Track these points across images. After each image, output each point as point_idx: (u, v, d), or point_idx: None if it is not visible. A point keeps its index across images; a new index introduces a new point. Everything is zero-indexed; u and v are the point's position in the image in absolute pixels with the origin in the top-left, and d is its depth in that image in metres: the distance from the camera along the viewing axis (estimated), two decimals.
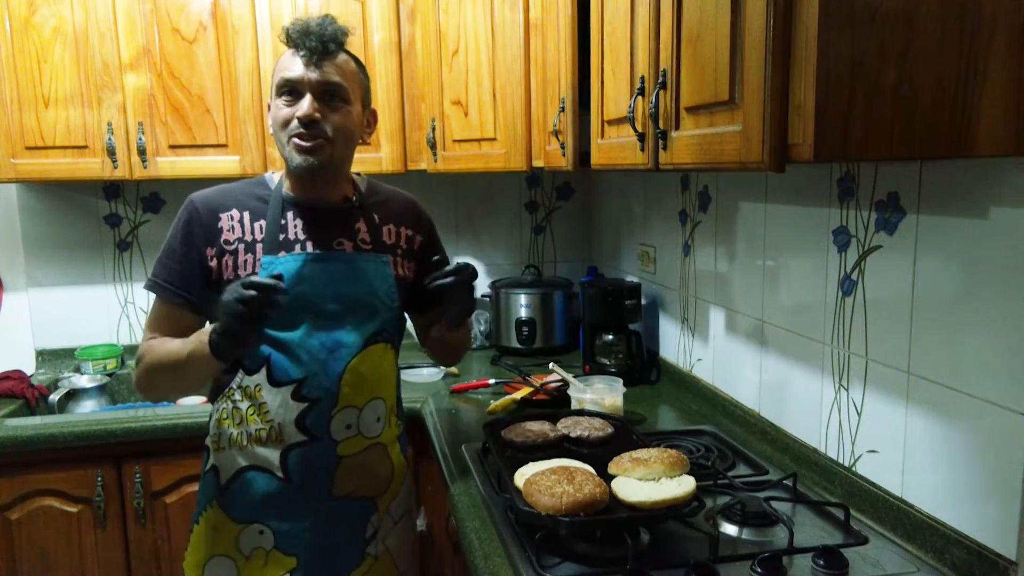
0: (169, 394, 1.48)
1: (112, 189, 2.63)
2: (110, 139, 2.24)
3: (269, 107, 1.45)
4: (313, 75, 1.37)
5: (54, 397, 2.34)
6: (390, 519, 1.55)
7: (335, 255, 1.46)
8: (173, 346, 1.39)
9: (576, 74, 1.83)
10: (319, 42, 1.37)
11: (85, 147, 2.24)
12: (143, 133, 2.26)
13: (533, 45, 2.18)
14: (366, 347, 1.45)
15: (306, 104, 1.36)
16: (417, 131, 2.48)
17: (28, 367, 2.57)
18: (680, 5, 1.21)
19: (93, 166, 2.25)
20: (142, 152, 2.26)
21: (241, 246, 1.42)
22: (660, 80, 1.28)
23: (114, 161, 2.25)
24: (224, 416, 1.44)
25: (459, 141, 2.39)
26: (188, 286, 1.42)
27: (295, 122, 1.37)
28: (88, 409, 2.38)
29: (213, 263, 1.42)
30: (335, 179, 1.48)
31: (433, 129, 2.42)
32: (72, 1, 2.18)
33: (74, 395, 2.40)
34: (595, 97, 1.67)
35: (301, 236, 1.45)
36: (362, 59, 2.38)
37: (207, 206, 1.44)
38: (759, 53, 0.96)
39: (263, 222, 1.44)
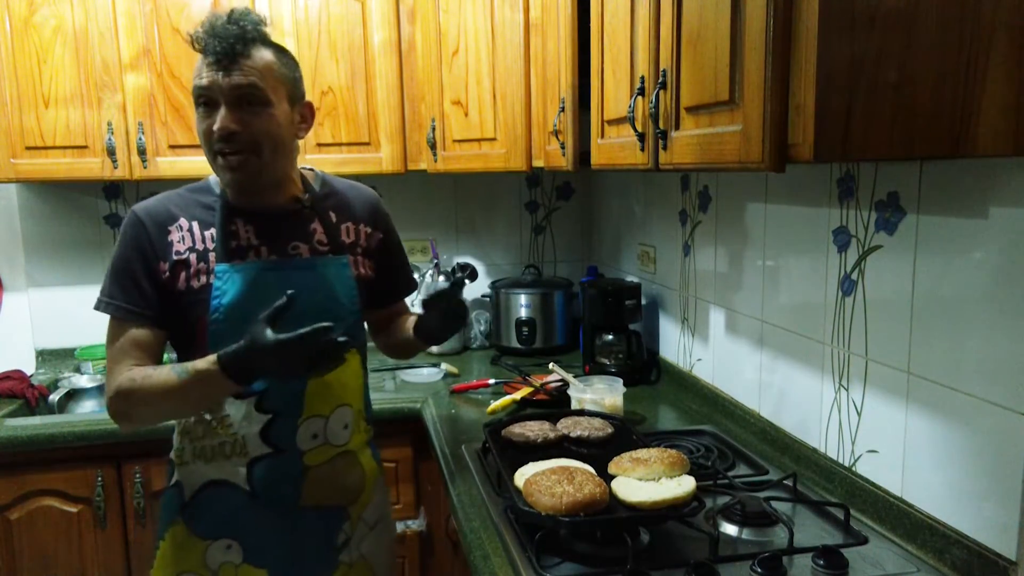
0: (152, 424, 1.40)
1: (112, 189, 2.63)
2: (110, 139, 2.24)
3: None
4: (224, 82, 1.27)
5: (54, 397, 2.34)
6: (364, 525, 1.52)
7: (292, 262, 1.40)
8: (164, 377, 1.27)
9: (576, 74, 1.83)
10: (224, 44, 1.26)
11: (85, 147, 2.24)
12: (143, 133, 2.25)
13: (533, 45, 2.17)
14: None
15: (220, 117, 1.28)
16: (417, 131, 2.48)
17: (28, 367, 2.57)
18: (680, 5, 1.21)
19: (93, 166, 2.25)
20: (142, 152, 2.26)
21: (193, 256, 1.36)
22: (660, 80, 1.28)
23: (114, 161, 2.25)
24: (187, 430, 1.40)
25: (459, 141, 2.39)
26: (149, 304, 1.34)
27: (215, 135, 1.29)
28: (88, 409, 2.38)
29: (166, 276, 1.35)
30: (275, 184, 1.40)
31: (433, 129, 2.42)
32: (72, 1, 2.18)
33: (74, 395, 2.40)
34: (595, 97, 1.67)
35: (254, 242, 1.39)
36: (362, 59, 2.42)
37: (154, 219, 1.36)
38: (759, 53, 0.96)
39: (213, 230, 1.38)
